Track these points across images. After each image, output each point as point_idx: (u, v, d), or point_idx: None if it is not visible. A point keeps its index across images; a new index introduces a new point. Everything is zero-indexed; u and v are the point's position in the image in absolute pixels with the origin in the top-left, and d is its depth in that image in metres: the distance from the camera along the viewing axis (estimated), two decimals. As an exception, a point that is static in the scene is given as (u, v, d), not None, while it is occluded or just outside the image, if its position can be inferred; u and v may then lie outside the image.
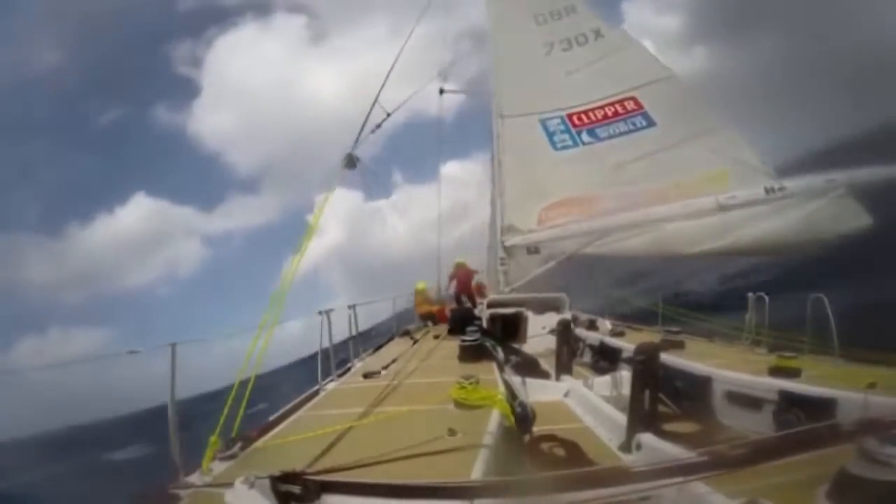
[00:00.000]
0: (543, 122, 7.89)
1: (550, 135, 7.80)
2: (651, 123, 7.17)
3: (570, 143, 7.68)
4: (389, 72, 6.12)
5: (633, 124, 7.32)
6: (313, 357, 4.28)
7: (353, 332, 5.79)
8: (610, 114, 7.60)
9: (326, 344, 4.53)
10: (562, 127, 7.80)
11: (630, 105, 7.48)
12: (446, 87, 11.29)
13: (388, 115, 5.79)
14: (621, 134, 7.34)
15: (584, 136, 7.62)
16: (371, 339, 7.68)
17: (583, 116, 7.75)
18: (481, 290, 9.63)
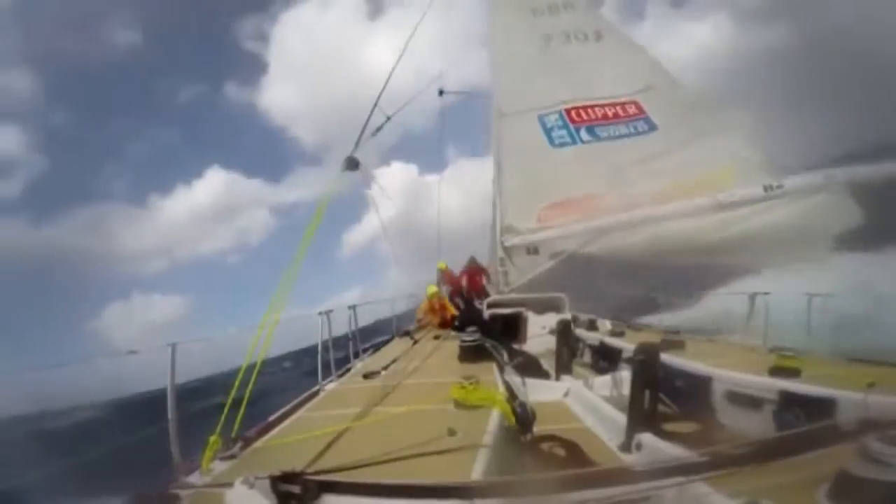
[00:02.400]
0: (541, 118, 7.78)
1: (548, 130, 7.69)
2: (653, 128, 7.18)
3: (568, 139, 7.59)
4: (390, 74, 6.10)
5: (635, 128, 7.28)
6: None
7: (354, 332, 5.80)
8: (611, 115, 7.54)
9: (326, 344, 4.54)
10: (560, 122, 7.69)
11: (632, 109, 7.44)
12: (446, 87, 11.29)
13: (388, 118, 5.79)
14: (622, 136, 7.29)
15: (584, 134, 7.54)
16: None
17: (581, 112, 7.65)
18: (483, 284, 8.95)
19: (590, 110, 7.64)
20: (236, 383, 2.83)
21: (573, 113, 7.67)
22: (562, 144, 7.59)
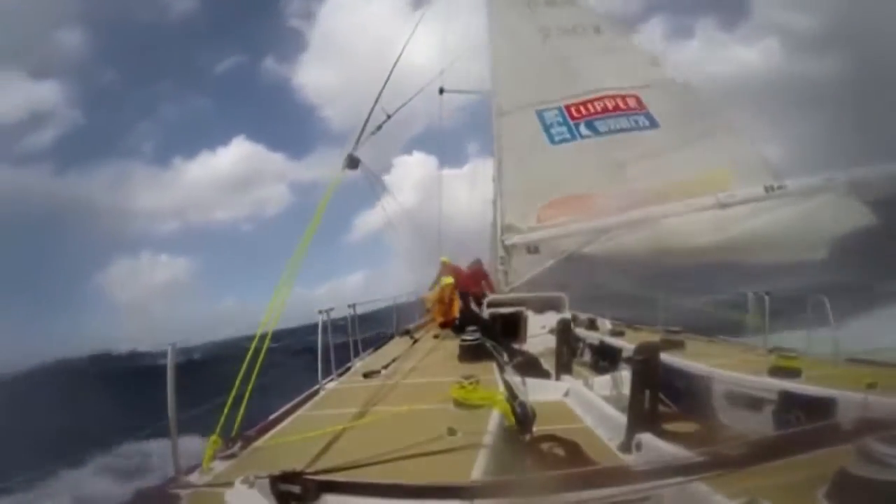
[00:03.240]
0: (540, 114, 7.61)
1: (547, 127, 7.52)
2: (654, 124, 7.01)
3: (567, 135, 7.40)
4: (390, 73, 6.10)
5: (636, 122, 7.10)
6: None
7: (354, 332, 5.79)
8: (610, 107, 7.31)
9: (327, 343, 4.54)
10: (559, 119, 7.50)
11: (632, 102, 7.24)
12: (447, 86, 11.26)
13: (389, 116, 5.79)
14: (622, 130, 7.10)
15: (583, 129, 7.33)
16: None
17: (581, 108, 7.45)
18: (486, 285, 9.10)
19: (589, 105, 7.44)
20: (237, 382, 2.83)
21: (573, 109, 7.50)
22: (562, 141, 7.43)
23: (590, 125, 7.32)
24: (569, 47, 8.04)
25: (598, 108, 7.35)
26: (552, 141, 7.46)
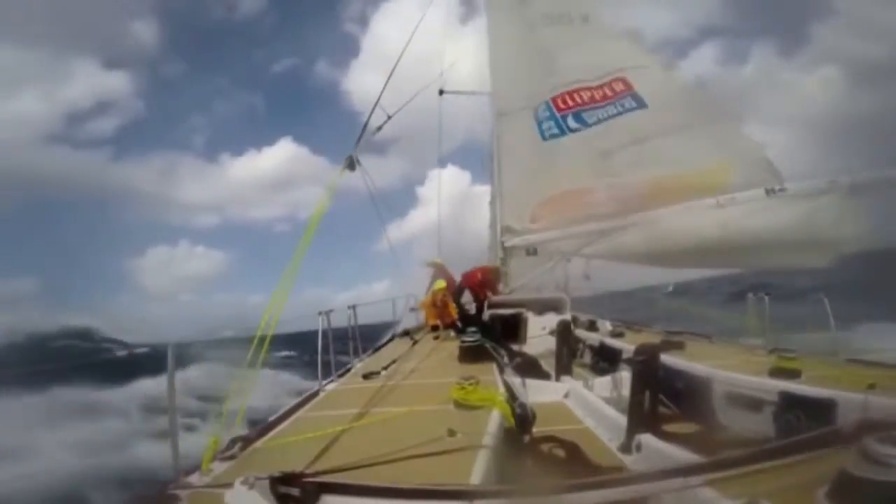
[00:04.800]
0: (534, 111, 7.19)
1: (539, 123, 7.09)
2: (641, 105, 6.33)
3: (556, 130, 6.89)
4: (391, 73, 6.10)
5: (622, 106, 6.46)
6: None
7: (354, 332, 5.79)
8: (598, 97, 6.71)
9: (326, 344, 4.54)
10: (547, 113, 7.00)
11: (619, 86, 6.61)
12: (446, 87, 11.29)
13: (389, 117, 5.80)
14: (609, 118, 6.49)
15: (571, 122, 6.81)
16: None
17: (567, 99, 6.90)
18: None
19: (575, 95, 6.86)
20: (235, 385, 2.83)
21: (559, 101, 6.93)
22: (552, 137, 6.93)
23: (577, 117, 6.80)
24: (555, 39, 7.44)
25: (586, 99, 6.79)
26: (543, 137, 7.00)
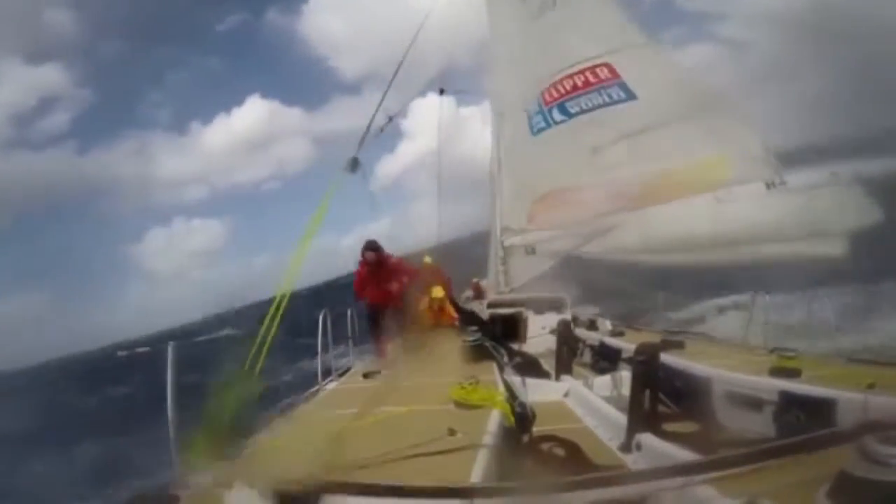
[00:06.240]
0: (526, 107, 6.98)
1: (529, 119, 6.83)
2: (631, 96, 5.85)
3: (543, 124, 6.55)
4: (394, 76, 6.06)
5: (609, 96, 5.96)
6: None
7: (353, 332, 5.80)
8: (580, 84, 6.18)
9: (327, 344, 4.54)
10: (536, 108, 6.71)
11: (604, 73, 6.06)
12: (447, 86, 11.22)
13: (391, 119, 5.77)
14: (594, 108, 6.04)
15: (556, 114, 6.41)
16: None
17: (552, 91, 6.49)
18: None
19: (559, 85, 6.39)
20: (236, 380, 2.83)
21: (545, 93, 6.54)
22: (539, 131, 6.59)
23: (562, 108, 6.38)
24: (543, 25, 7.05)
25: (569, 88, 6.33)
26: (532, 132, 6.75)
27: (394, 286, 6.15)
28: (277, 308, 3.01)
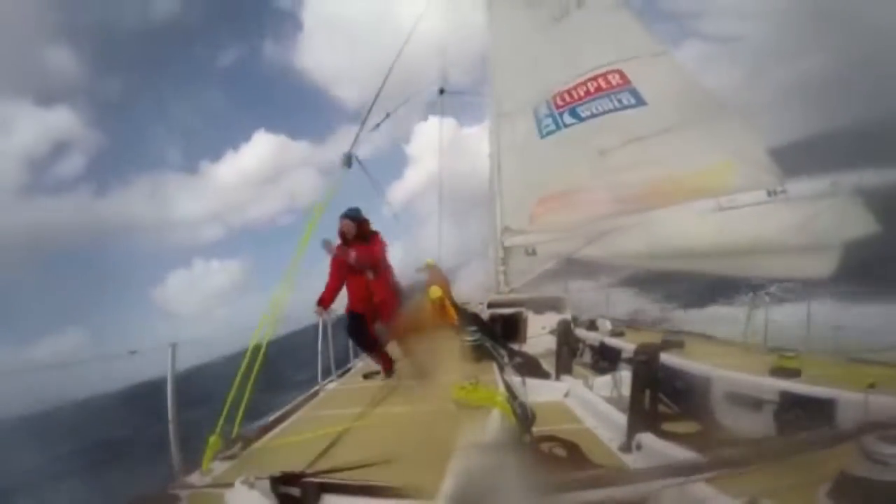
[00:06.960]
0: (535, 109, 7.19)
1: (538, 121, 7.04)
2: (640, 102, 6.03)
3: (552, 127, 6.76)
4: (389, 72, 6.09)
5: (619, 101, 6.15)
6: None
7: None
8: (592, 89, 6.43)
9: (326, 345, 4.54)
10: (546, 110, 6.92)
11: (615, 79, 6.29)
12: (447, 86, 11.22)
13: (388, 115, 5.78)
14: (604, 112, 6.22)
15: (566, 118, 6.64)
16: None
17: (565, 95, 6.70)
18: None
19: (573, 91, 6.64)
20: (236, 381, 2.83)
21: (558, 98, 6.78)
22: (548, 133, 6.80)
23: (573, 112, 6.59)
24: (556, 33, 7.24)
25: (581, 94, 6.55)
26: (541, 135, 6.94)
27: (370, 276, 4.63)
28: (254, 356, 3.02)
